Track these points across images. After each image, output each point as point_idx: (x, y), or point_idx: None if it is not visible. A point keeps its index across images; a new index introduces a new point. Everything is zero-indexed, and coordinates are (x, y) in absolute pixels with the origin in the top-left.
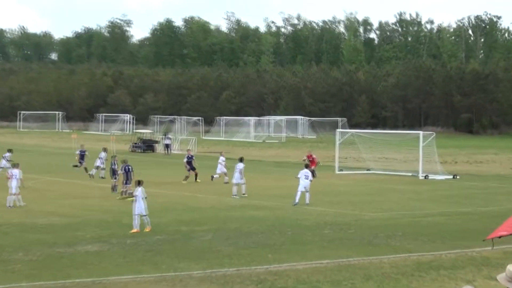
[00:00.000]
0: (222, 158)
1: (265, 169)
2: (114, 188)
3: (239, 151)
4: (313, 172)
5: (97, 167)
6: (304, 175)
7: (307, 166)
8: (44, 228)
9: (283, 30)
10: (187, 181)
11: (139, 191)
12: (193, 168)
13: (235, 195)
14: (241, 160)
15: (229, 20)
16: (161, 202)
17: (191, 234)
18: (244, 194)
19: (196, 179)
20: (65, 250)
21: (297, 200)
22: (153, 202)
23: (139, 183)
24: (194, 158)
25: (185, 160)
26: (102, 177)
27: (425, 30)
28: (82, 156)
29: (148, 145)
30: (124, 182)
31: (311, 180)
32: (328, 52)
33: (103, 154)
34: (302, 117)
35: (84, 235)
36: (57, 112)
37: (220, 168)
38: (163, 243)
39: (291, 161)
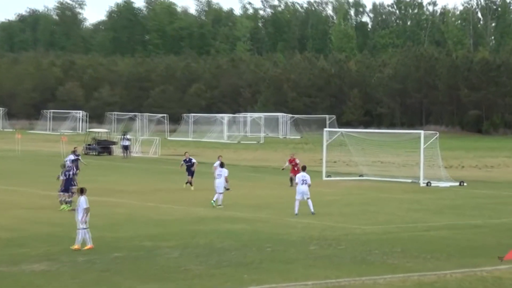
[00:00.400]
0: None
1: (241, 175)
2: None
3: (210, 154)
4: (291, 180)
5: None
6: (301, 179)
7: (304, 169)
8: None
9: (261, 12)
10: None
11: (81, 201)
12: (190, 173)
13: (220, 204)
14: (222, 165)
15: (198, 1)
16: (120, 214)
17: (155, 250)
18: (219, 205)
19: (188, 183)
20: (8, 269)
21: (296, 211)
22: (111, 213)
23: (81, 191)
24: (194, 162)
25: (182, 163)
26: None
27: (427, 13)
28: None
29: (104, 147)
30: (62, 189)
31: (309, 185)
32: (314, 38)
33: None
34: (284, 114)
35: (30, 251)
36: None
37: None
38: (122, 261)
39: (271, 166)
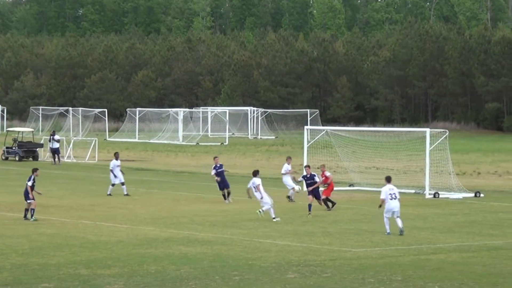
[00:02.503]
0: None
1: (200, 185)
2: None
3: (162, 158)
4: (326, 202)
5: None
6: (388, 193)
7: (388, 180)
8: None
9: None
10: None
11: None
12: (225, 184)
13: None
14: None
15: None
16: (49, 235)
17: (93, 280)
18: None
19: (226, 198)
20: None
21: (388, 229)
22: (39, 233)
23: None
24: (224, 168)
25: (213, 172)
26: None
27: None
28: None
29: (27, 150)
30: None
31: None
32: (292, 13)
33: None
34: (254, 108)
35: None
36: None
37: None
38: None
39: (239, 173)
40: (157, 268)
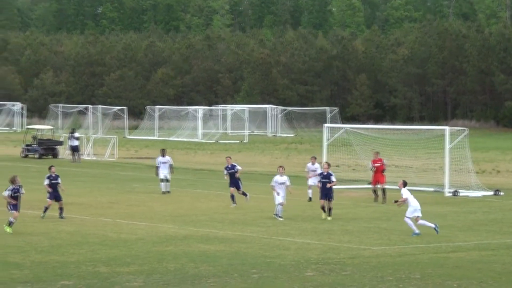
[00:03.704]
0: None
1: (219, 183)
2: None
3: (181, 156)
4: (375, 192)
5: None
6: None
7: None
8: None
9: None
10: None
11: None
12: (237, 185)
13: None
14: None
15: None
16: (69, 232)
17: (112, 278)
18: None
19: (245, 197)
20: None
21: (416, 229)
22: (58, 231)
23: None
24: (238, 167)
25: (225, 172)
26: None
27: None
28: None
29: (47, 148)
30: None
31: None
32: (311, 11)
33: None
34: (273, 106)
35: None
36: None
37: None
38: None
39: (258, 171)
40: (176, 265)
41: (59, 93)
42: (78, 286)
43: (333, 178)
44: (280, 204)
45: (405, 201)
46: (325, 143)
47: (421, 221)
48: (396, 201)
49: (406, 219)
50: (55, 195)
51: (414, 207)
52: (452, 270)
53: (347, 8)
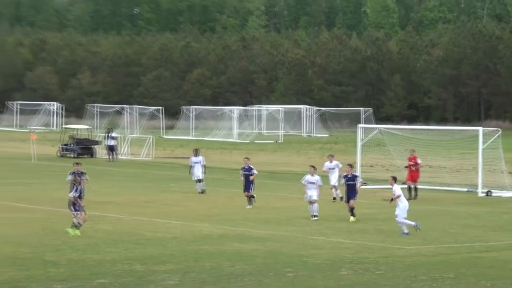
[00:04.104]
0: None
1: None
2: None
3: (217, 156)
4: (410, 190)
5: None
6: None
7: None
8: None
9: None
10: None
11: None
12: (247, 188)
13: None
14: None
15: None
16: (105, 231)
17: (148, 276)
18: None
19: (249, 203)
20: None
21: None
22: (95, 230)
23: None
24: (254, 171)
25: (241, 172)
26: None
27: None
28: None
29: (84, 147)
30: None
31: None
32: (345, 12)
33: None
34: (308, 106)
35: None
36: None
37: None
38: None
39: (293, 171)
40: (212, 264)
41: (96, 93)
42: (114, 284)
43: (359, 179)
44: (311, 202)
45: (399, 197)
46: (359, 143)
47: (401, 219)
48: (391, 199)
49: (399, 219)
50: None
51: (406, 205)
52: (485, 270)
53: (382, 9)
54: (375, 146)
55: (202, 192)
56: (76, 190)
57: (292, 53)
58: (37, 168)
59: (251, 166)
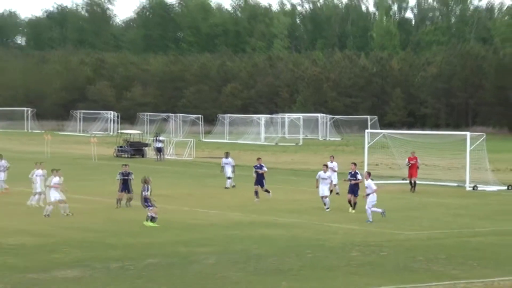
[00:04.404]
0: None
1: (279, 178)
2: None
3: (247, 156)
4: (411, 184)
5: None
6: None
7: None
8: (13, 249)
9: (299, 8)
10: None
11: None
12: (261, 183)
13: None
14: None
15: None
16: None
17: (190, 257)
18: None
19: (257, 196)
20: (39, 276)
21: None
22: (144, 218)
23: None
24: (264, 168)
25: (254, 170)
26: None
27: (472, 8)
28: None
29: (136, 149)
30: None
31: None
32: (355, 35)
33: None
34: (324, 114)
35: (61, 258)
36: (25, 109)
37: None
38: (156, 267)
39: (310, 169)
40: (242, 247)
41: (146, 104)
42: (162, 264)
43: (359, 177)
44: (323, 197)
45: (375, 191)
46: (366, 146)
47: (373, 208)
48: (366, 195)
49: (368, 209)
50: (126, 188)
51: (375, 199)
52: (472, 252)
53: (385, 33)
54: (380, 148)
55: (233, 187)
56: (147, 190)
57: (311, 70)
58: (97, 167)
59: (262, 164)
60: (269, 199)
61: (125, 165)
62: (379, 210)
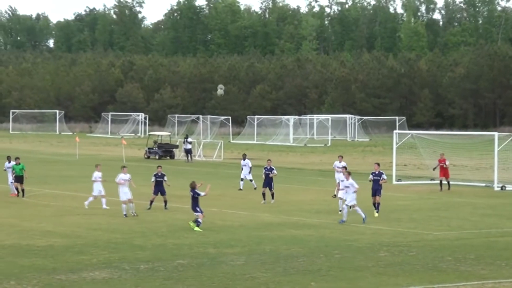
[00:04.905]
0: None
1: (307, 179)
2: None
3: (276, 157)
4: (441, 184)
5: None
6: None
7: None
8: (42, 251)
9: (328, 10)
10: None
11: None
12: (270, 186)
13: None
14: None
15: None
16: (183, 220)
17: (219, 257)
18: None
19: (264, 198)
20: (67, 277)
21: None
22: (174, 219)
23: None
24: (274, 171)
25: (264, 172)
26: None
27: (500, 9)
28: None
29: (165, 151)
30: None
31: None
32: (383, 37)
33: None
34: (352, 115)
35: (89, 259)
36: (55, 111)
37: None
38: (185, 268)
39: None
40: (272, 247)
41: (175, 105)
42: (191, 264)
43: (384, 177)
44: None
45: (356, 190)
46: (394, 146)
47: (356, 208)
48: (334, 195)
49: (345, 207)
50: (159, 190)
51: (354, 196)
52: (500, 252)
53: (413, 34)
54: (408, 148)
55: (254, 189)
56: (197, 194)
57: (339, 71)
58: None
59: (272, 167)
60: (271, 203)
61: (159, 166)
62: (363, 214)
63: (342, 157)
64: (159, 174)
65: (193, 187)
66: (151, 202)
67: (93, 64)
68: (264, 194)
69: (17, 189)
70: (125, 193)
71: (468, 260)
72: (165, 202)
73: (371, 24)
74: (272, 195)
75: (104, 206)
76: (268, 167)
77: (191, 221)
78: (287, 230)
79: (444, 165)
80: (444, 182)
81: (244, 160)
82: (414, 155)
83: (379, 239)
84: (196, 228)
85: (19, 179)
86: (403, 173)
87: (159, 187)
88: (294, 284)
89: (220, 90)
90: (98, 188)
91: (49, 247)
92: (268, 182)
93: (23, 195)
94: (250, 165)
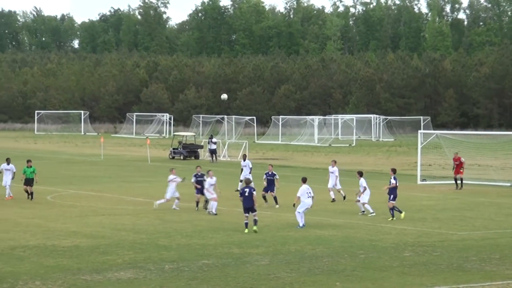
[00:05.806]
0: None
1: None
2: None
3: (300, 157)
4: (456, 181)
5: None
6: (306, 192)
7: (305, 181)
8: (67, 251)
9: (352, 10)
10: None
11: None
12: (272, 190)
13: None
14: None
15: None
16: (208, 220)
17: (244, 258)
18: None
19: (268, 200)
20: (92, 277)
21: (301, 223)
22: (198, 219)
23: None
24: (276, 176)
25: (265, 177)
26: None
27: None
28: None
29: (190, 151)
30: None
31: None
32: (407, 36)
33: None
34: (377, 115)
35: (115, 259)
36: (80, 112)
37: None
38: (210, 268)
39: (364, 169)
40: (297, 247)
41: (200, 106)
42: (216, 265)
43: (392, 181)
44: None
45: (298, 199)
46: (419, 146)
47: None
48: (293, 201)
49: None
50: (201, 191)
51: (306, 204)
52: None
53: (438, 34)
54: (433, 148)
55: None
56: (253, 190)
57: (363, 72)
58: (152, 168)
59: (274, 172)
60: (273, 206)
61: (198, 166)
62: (371, 210)
63: (335, 162)
64: (199, 174)
65: (248, 183)
66: (197, 203)
67: (117, 64)
68: (264, 197)
69: (26, 191)
70: (172, 193)
71: (493, 260)
72: (206, 201)
73: (396, 24)
74: (275, 199)
75: (174, 206)
76: (270, 173)
77: (254, 226)
78: (311, 230)
79: (457, 163)
80: (458, 181)
81: (244, 161)
82: (439, 155)
83: (404, 239)
84: (255, 228)
85: (29, 181)
86: (428, 173)
87: (201, 188)
88: (319, 284)
89: (224, 96)
90: (171, 191)
91: (74, 247)
92: (270, 187)
93: (31, 198)
94: (251, 166)
